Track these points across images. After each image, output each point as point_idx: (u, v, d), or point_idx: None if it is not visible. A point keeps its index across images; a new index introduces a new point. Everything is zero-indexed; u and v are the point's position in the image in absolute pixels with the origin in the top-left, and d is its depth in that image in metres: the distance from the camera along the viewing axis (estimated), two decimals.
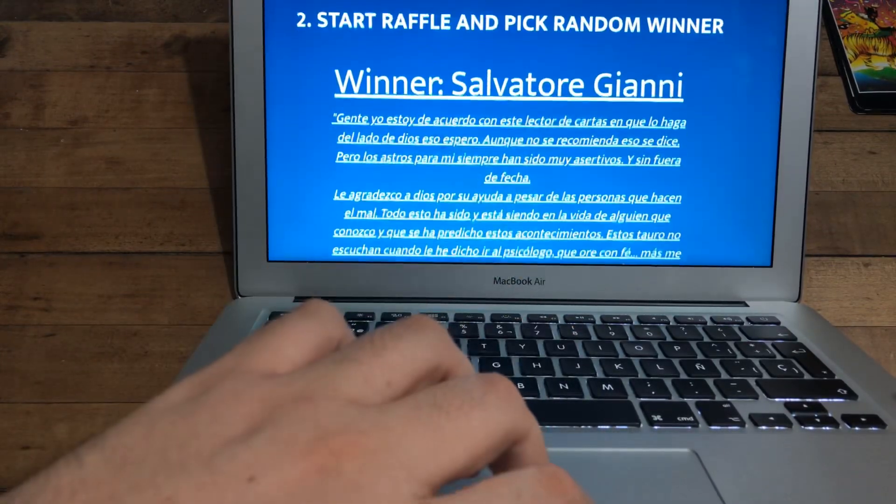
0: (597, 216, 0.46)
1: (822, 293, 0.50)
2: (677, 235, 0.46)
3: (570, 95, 0.46)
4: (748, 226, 0.46)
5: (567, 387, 0.36)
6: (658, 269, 0.46)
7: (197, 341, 0.44)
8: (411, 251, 0.46)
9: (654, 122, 0.46)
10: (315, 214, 0.46)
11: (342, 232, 0.46)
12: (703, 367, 0.38)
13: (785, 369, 0.38)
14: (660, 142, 0.46)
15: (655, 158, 0.46)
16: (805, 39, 0.45)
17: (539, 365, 0.38)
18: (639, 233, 0.46)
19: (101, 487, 0.14)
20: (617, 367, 0.38)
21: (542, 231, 0.46)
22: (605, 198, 0.46)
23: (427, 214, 0.46)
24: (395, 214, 0.46)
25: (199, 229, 0.51)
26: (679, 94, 0.46)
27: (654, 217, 0.46)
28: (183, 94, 0.56)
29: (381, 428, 0.16)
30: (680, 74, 0.46)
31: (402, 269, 0.46)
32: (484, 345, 0.40)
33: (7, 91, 0.56)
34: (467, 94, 0.46)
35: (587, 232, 0.46)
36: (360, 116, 0.46)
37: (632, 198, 0.46)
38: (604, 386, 0.36)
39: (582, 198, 0.46)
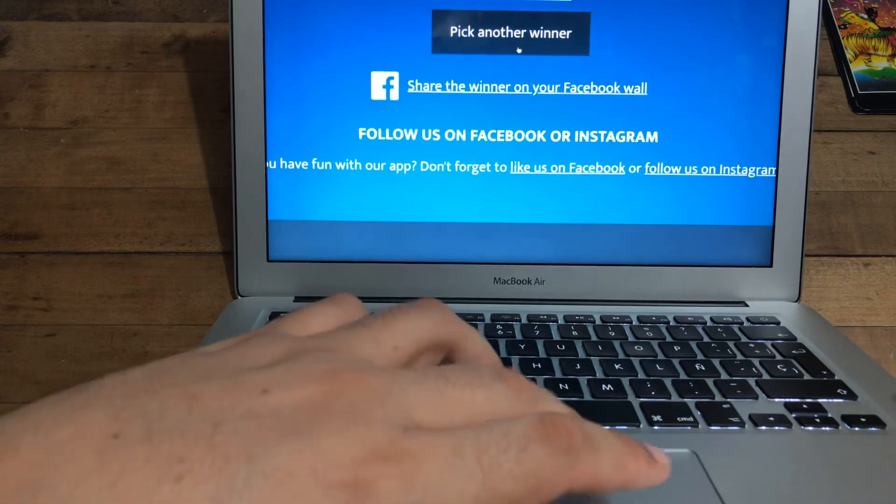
0: (596, 216, 0.46)
1: (822, 293, 0.50)
2: (677, 236, 0.46)
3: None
4: (748, 225, 0.46)
5: (567, 387, 0.36)
6: (658, 269, 0.46)
7: (197, 341, 0.44)
8: (412, 251, 0.46)
9: (655, 122, 0.46)
10: (315, 214, 0.46)
11: (342, 232, 0.46)
12: (703, 368, 0.38)
13: (785, 369, 0.38)
14: (660, 143, 0.46)
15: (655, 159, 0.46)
16: (805, 39, 0.45)
17: (539, 365, 0.38)
18: (639, 232, 0.46)
19: (138, 384, 0.17)
20: (617, 367, 0.38)
21: (543, 231, 0.46)
22: (605, 198, 0.46)
23: (427, 214, 0.46)
24: (396, 214, 0.46)
25: (199, 229, 0.51)
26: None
27: (654, 217, 0.46)
28: (183, 94, 0.56)
29: (388, 377, 0.18)
30: None
31: (403, 269, 0.46)
32: None
33: (7, 91, 0.56)
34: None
35: (587, 232, 0.46)
36: None
37: (632, 197, 0.46)
38: (604, 386, 0.36)
39: (582, 198, 0.46)
